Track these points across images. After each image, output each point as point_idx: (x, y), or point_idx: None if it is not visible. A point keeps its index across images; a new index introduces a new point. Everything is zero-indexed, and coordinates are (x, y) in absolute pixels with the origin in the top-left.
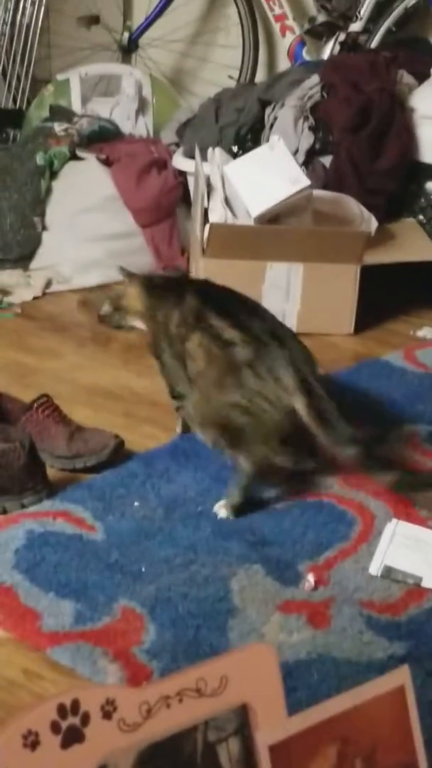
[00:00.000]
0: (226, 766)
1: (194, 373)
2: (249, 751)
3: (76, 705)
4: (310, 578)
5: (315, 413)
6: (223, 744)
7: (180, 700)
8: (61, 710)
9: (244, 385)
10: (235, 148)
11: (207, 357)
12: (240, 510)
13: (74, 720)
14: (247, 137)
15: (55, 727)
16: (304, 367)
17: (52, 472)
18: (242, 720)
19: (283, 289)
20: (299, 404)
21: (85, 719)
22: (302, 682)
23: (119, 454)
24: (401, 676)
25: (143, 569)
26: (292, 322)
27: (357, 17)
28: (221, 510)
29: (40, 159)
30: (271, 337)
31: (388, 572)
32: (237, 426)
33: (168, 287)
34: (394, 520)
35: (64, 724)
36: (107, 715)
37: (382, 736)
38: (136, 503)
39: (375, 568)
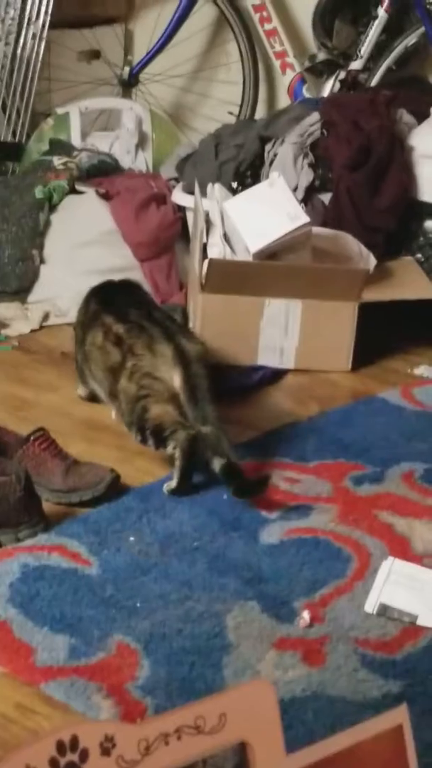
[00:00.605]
0: None
1: (99, 376)
2: None
3: (74, 741)
4: (306, 615)
5: (188, 386)
6: None
7: (179, 738)
8: (60, 747)
9: (128, 368)
10: (234, 184)
11: (102, 354)
12: (181, 493)
13: (73, 756)
14: (247, 173)
15: (53, 764)
16: (183, 342)
17: (47, 506)
18: (241, 758)
19: (281, 326)
20: (176, 374)
21: (84, 756)
22: (297, 719)
23: (115, 488)
24: (400, 716)
25: (138, 604)
26: (290, 359)
27: (357, 55)
28: (166, 488)
29: (39, 192)
30: (149, 321)
31: (384, 610)
32: (149, 415)
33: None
34: (390, 558)
35: (62, 761)
36: (106, 751)
37: None
38: (131, 538)
39: (371, 606)
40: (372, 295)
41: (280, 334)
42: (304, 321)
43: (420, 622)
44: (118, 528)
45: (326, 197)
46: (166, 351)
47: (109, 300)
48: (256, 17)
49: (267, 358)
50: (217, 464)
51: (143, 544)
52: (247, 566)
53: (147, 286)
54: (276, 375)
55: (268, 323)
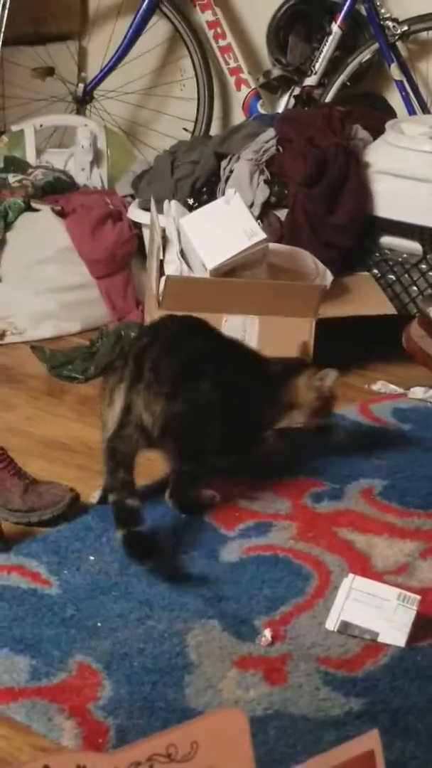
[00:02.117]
0: None
1: None
2: None
3: None
4: (267, 634)
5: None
6: None
7: (150, 766)
8: None
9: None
10: (190, 201)
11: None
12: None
13: None
14: (203, 190)
15: None
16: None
17: (6, 526)
18: None
19: None
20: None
21: None
22: (259, 738)
23: (75, 507)
24: (371, 741)
25: (99, 624)
26: None
27: (312, 71)
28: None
29: None
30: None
31: (345, 627)
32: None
33: None
34: (351, 576)
35: None
36: None
37: None
38: (91, 557)
39: (332, 624)
40: (329, 311)
41: None
42: (262, 337)
43: (381, 639)
44: (78, 547)
45: (282, 213)
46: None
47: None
48: (210, 33)
49: None
50: (119, 536)
51: (103, 563)
52: (208, 585)
53: (103, 303)
54: None
55: None
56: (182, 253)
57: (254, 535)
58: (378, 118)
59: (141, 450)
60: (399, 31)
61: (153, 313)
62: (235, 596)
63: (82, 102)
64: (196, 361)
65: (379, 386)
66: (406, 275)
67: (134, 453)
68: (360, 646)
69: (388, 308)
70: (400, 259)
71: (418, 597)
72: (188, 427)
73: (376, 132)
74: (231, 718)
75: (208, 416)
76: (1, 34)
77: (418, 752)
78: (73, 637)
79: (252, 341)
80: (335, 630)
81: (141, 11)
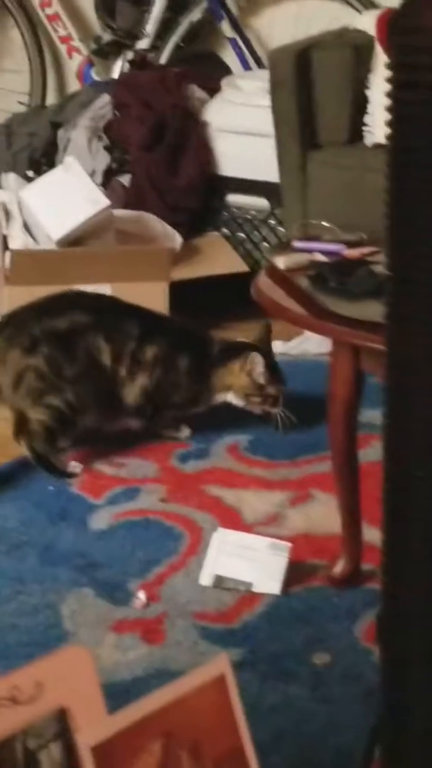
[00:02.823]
0: None
1: None
2: (71, 755)
3: None
4: (141, 596)
5: None
6: (44, 750)
7: None
8: None
9: None
10: (30, 173)
11: None
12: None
13: None
14: (42, 161)
15: None
16: None
17: None
18: (62, 724)
19: None
20: None
21: None
22: (141, 698)
23: None
24: (221, 665)
25: None
26: None
27: (143, 34)
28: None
29: None
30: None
31: (219, 581)
32: None
33: None
34: (221, 530)
35: None
36: None
37: (206, 727)
38: None
39: (206, 579)
40: (181, 273)
41: None
42: None
43: (255, 589)
44: None
45: (125, 179)
46: None
47: None
48: (36, 2)
49: None
50: None
51: None
52: (80, 554)
53: None
54: None
55: None
56: (26, 226)
57: (123, 500)
58: (214, 77)
59: None
60: None
61: (1, 290)
62: (107, 562)
63: None
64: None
65: None
66: (256, 232)
67: None
68: (235, 598)
69: (240, 266)
70: (248, 216)
71: (289, 544)
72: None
73: (213, 91)
74: (75, 656)
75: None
76: None
77: (299, 692)
78: None
79: None
80: (210, 585)
81: None
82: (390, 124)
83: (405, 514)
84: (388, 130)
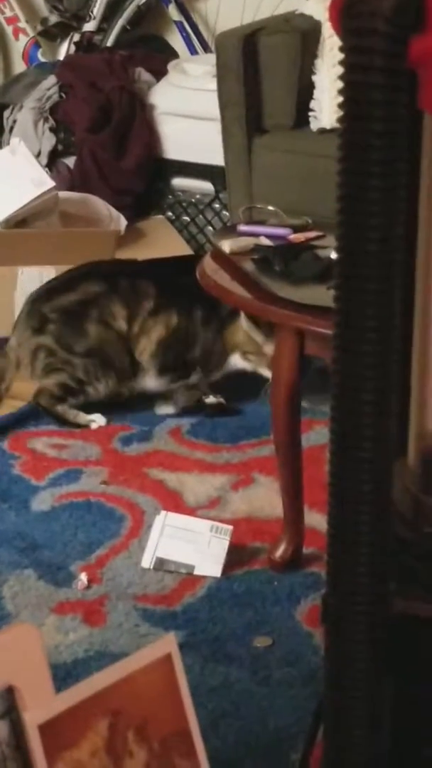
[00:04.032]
0: None
1: None
2: (18, 733)
3: None
4: (83, 577)
5: None
6: None
7: None
8: None
9: None
10: None
11: None
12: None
13: None
14: None
15: None
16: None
17: None
18: (9, 702)
19: None
20: None
21: None
22: (82, 680)
23: None
24: (167, 645)
25: None
26: None
27: (90, 17)
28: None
29: None
30: None
31: (161, 564)
32: None
33: None
34: (163, 512)
35: None
36: None
37: (153, 706)
38: None
39: (147, 561)
40: (125, 256)
41: None
42: None
43: (197, 571)
44: None
45: (71, 161)
46: None
47: None
48: None
49: None
50: None
51: None
52: (21, 536)
53: None
54: None
55: (23, 293)
56: None
57: (65, 482)
58: (160, 60)
59: None
60: None
61: None
62: (49, 544)
63: None
64: None
65: None
66: (201, 216)
67: None
68: (177, 581)
69: (184, 249)
70: (193, 200)
71: (231, 527)
72: None
73: (159, 74)
74: (22, 633)
75: None
76: None
77: (240, 675)
78: None
79: None
80: (151, 567)
81: None
82: (342, 106)
83: (351, 497)
84: (339, 113)
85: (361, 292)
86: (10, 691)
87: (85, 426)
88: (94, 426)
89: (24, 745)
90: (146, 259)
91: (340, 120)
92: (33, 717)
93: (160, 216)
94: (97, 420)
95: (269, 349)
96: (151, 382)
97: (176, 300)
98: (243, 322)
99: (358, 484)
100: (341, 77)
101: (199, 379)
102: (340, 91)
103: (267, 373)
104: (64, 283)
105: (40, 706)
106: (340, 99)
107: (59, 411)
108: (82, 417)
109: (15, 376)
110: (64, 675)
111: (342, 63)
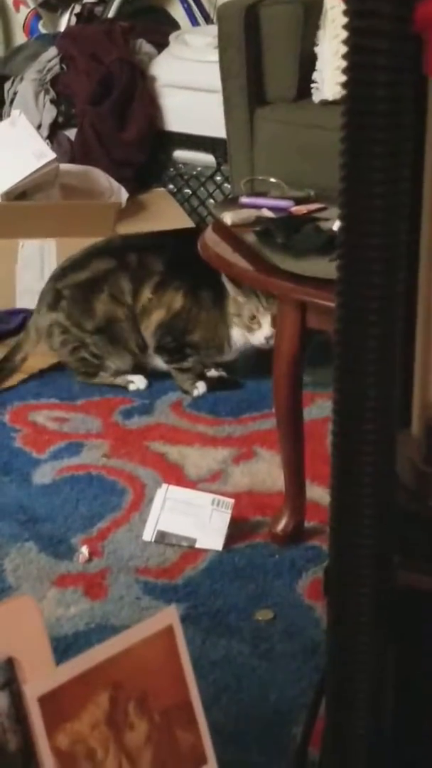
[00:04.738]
0: None
1: None
2: (18, 705)
3: None
4: (84, 551)
5: None
6: None
7: None
8: None
9: None
10: None
11: None
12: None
13: None
14: None
15: None
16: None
17: None
18: (9, 674)
19: (37, 268)
20: None
21: None
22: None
23: None
24: (169, 617)
25: None
26: None
27: None
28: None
29: None
30: None
31: (162, 537)
32: None
33: None
34: (165, 486)
35: None
36: None
37: (154, 679)
38: None
39: (149, 535)
40: (126, 228)
41: (37, 276)
42: (60, 260)
43: (198, 545)
44: None
45: (72, 133)
46: None
47: None
48: None
49: (25, 302)
50: None
51: None
52: (22, 509)
53: None
54: None
55: (24, 266)
56: None
57: (66, 456)
58: (161, 32)
59: None
60: None
61: None
62: (50, 517)
63: None
64: None
65: None
66: (202, 188)
67: None
68: (178, 554)
69: (185, 222)
70: (194, 173)
71: (232, 501)
72: None
73: (161, 45)
74: (21, 605)
75: None
76: None
77: (241, 648)
78: None
79: (51, 265)
80: (152, 541)
81: None
82: (346, 71)
83: (354, 468)
84: (341, 85)
85: (365, 261)
86: (9, 662)
87: (124, 387)
88: (132, 387)
89: (24, 717)
90: (159, 232)
91: (344, 85)
92: (33, 689)
93: (162, 188)
94: (136, 382)
95: (249, 308)
96: (158, 360)
97: (183, 276)
98: (224, 279)
99: (361, 455)
100: (345, 42)
101: (195, 363)
102: (345, 56)
103: (248, 335)
104: (79, 260)
105: (40, 677)
106: (344, 64)
107: (97, 382)
108: (121, 379)
109: (34, 350)
110: (64, 648)
111: (346, 27)
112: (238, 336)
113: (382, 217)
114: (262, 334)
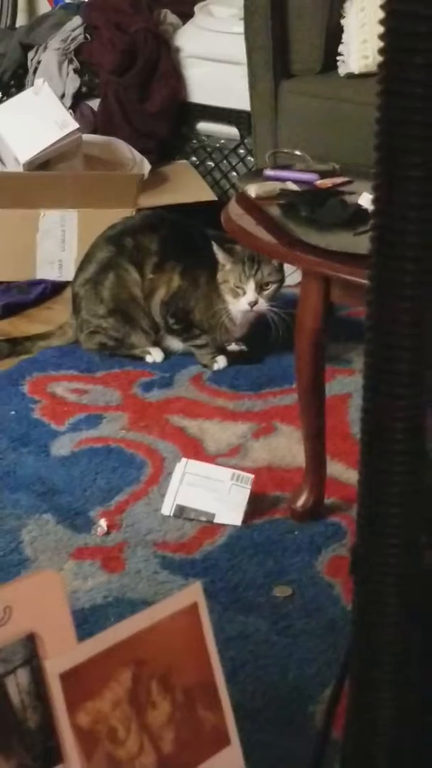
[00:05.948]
0: (15, 699)
1: None
2: (39, 682)
3: None
4: (102, 523)
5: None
6: (11, 676)
7: None
8: None
9: None
10: None
11: None
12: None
13: None
14: (11, 83)
15: None
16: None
17: None
18: (30, 650)
19: (58, 238)
20: None
21: None
22: (99, 626)
23: None
24: (193, 594)
25: None
26: (69, 271)
27: None
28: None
29: None
30: None
31: (181, 511)
32: None
33: None
34: (184, 460)
35: None
36: None
37: (177, 657)
38: None
39: (167, 509)
40: (148, 200)
41: (58, 246)
42: (82, 231)
43: (217, 519)
44: None
45: (95, 103)
46: None
47: None
48: None
49: (46, 272)
50: None
51: None
52: (40, 480)
53: None
54: (56, 288)
55: (45, 236)
56: None
57: (85, 428)
58: (186, 2)
59: None
60: None
61: None
62: (68, 489)
63: None
64: None
65: None
66: (225, 161)
67: None
68: (197, 529)
69: (208, 194)
70: (218, 145)
71: (252, 476)
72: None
73: (186, 16)
74: (45, 580)
75: None
76: None
77: (259, 624)
78: None
79: (72, 235)
80: (171, 515)
81: None
82: (383, 38)
83: (383, 444)
84: (367, 58)
85: (401, 234)
86: (31, 638)
87: (141, 357)
88: (149, 359)
89: (44, 694)
90: (152, 211)
91: (380, 51)
92: (54, 665)
93: (184, 160)
94: (153, 354)
95: (235, 275)
96: (168, 340)
97: (179, 255)
98: (214, 246)
99: (392, 432)
100: (382, 6)
101: (208, 341)
102: (381, 22)
103: (234, 301)
104: (85, 258)
105: (61, 654)
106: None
107: (116, 353)
108: (138, 350)
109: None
110: (81, 621)
111: (383, 6)
112: (236, 311)
113: (418, 188)
114: (245, 299)
